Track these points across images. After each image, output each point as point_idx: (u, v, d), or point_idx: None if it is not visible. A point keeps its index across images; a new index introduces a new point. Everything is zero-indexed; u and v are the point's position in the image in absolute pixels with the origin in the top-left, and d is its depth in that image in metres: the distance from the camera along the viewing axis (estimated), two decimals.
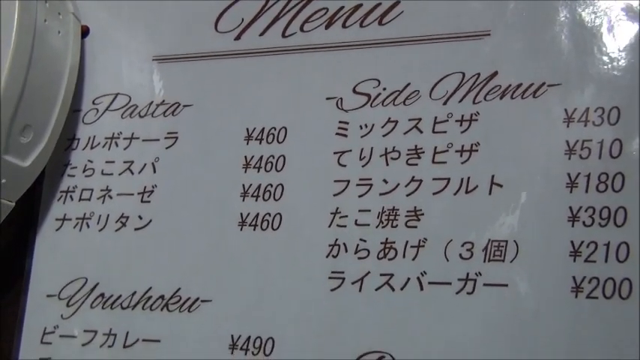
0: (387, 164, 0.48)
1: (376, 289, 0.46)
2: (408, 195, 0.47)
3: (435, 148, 0.47)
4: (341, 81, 0.50)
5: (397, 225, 0.46)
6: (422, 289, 0.45)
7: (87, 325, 0.51)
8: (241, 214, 0.50)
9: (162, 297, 0.50)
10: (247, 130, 0.51)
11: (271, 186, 0.50)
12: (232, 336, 0.47)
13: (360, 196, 0.47)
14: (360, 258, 0.46)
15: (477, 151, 0.46)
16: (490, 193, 0.45)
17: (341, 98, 0.50)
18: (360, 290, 0.46)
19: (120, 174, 0.53)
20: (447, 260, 0.45)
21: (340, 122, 0.49)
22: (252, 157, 0.51)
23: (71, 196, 0.54)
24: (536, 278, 0.43)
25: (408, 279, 0.45)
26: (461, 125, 0.47)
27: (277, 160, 0.50)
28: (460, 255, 0.45)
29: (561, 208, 0.43)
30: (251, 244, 0.49)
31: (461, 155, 0.46)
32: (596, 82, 0.45)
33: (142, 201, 0.52)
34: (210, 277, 0.49)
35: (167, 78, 0.55)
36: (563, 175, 0.44)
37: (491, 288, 0.44)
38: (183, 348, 0.48)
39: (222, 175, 0.51)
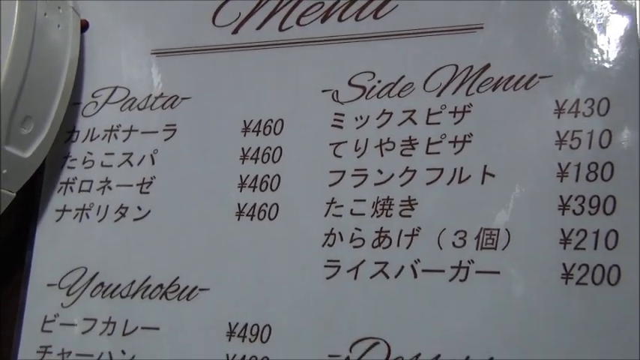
0: (382, 155, 0.48)
1: (371, 277, 0.46)
2: (402, 185, 0.47)
3: (429, 139, 0.48)
4: (337, 74, 0.51)
5: (392, 214, 0.47)
6: (416, 276, 0.46)
7: (87, 314, 0.51)
8: (239, 204, 0.50)
9: (160, 286, 0.50)
10: (244, 122, 0.52)
11: (268, 177, 0.51)
12: (230, 323, 0.48)
13: (355, 187, 0.48)
14: (355, 247, 0.47)
15: (469, 141, 0.47)
16: (483, 183, 0.46)
17: (337, 91, 0.51)
18: (355, 278, 0.47)
19: (119, 166, 0.54)
20: (441, 248, 0.46)
21: (336, 114, 0.50)
22: (250, 148, 0.51)
23: (71, 188, 0.55)
24: (527, 265, 0.44)
25: (402, 267, 0.46)
26: (454, 117, 0.48)
27: (274, 152, 0.51)
28: (453, 243, 0.45)
29: (552, 197, 0.44)
30: (248, 234, 0.50)
31: (454, 146, 0.47)
32: (586, 74, 0.46)
33: (140, 192, 0.53)
34: (208, 266, 0.50)
35: (165, 71, 0.55)
36: (554, 164, 0.45)
37: (483, 275, 0.44)
38: (182, 335, 0.49)
39: (220, 167, 0.52)
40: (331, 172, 0.49)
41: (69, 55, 0.53)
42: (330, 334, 0.46)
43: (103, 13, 0.58)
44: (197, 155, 0.52)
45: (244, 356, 0.47)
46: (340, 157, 0.49)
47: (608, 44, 0.46)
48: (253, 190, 0.51)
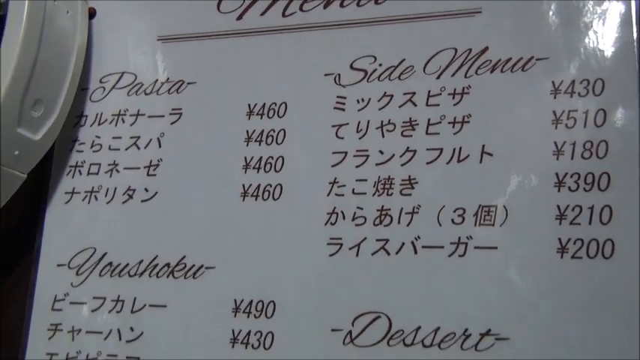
0: (383, 136, 0.50)
1: (372, 254, 0.48)
2: (402, 165, 0.49)
3: (429, 120, 0.49)
4: (339, 58, 0.52)
5: (392, 193, 0.48)
6: (416, 252, 0.47)
7: (96, 293, 0.53)
8: (243, 185, 0.52)
9: (167, 265, 0.52)
10: (249, 105, 0.53)
11: (272, 158, 0.52)
12: (235, 300, 0.50)
13: (357, 167, 0.50)
14: (357, 225, 0.48)
15: (468, 122, 0.48)
16: (481, 162, 0.47)
17: (339, 74, 0.52)
18: (357, 255, 0.48)
19: (126, 149, 0.55)
20: (440, 225, 0.47)
21: (338, 97, 0.51)
22: (254, 131, 0.53)
23: (80, 171, 0.56)
24: (523, 241, 0.45)
25: (403, 244, 0.47)
26: (453, 98, 0.49)
27: (278, 134, 0.52)
28: (452, 220, 0.47)
29: (548, 175, 0.46)
30: (253, 214, 0.51)
31: (453, 126, 0.48)
32: (581, 55, 0.47)
33: (147, 174, 0.54)
34: (213, 245, 0.51)
35: (171, 57, 0.57)
36: (550, 143, 0.46)
37: (481, 251, 0.46)
38: (189, 312, 0.50)
39: (225, 149, 0.53)
40: (334, 153, 0.50)
41: (77, 41, 0.55)
42: (332, 309, 0.48)
43: (109, 0, 0.59)
44: (202, 138, 0.54)
45: (249, 331, 0.49)
46: (342, 138, 0.51)
47: (603, 27, 0.47)
48: (257, 172, 0.52)
